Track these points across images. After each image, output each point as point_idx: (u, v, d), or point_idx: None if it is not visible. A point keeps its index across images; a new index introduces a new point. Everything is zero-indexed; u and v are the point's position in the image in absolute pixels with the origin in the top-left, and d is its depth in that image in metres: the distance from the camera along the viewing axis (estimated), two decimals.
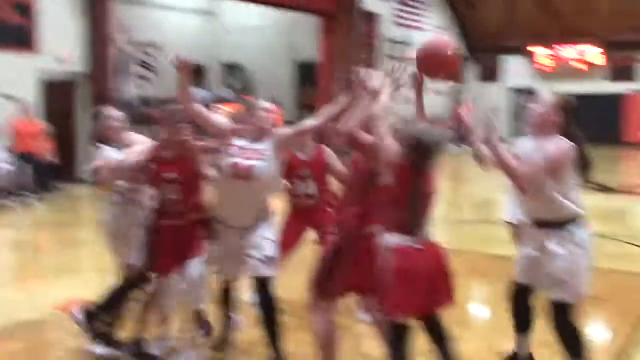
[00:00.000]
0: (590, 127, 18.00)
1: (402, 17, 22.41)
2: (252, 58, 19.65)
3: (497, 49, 25.91)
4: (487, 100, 25.96)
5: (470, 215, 9.69)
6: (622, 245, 6.83)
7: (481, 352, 3.64)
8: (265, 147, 3.71)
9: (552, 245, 3.29)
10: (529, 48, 25.05)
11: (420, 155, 3.22)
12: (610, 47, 23.37)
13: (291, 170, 4.54)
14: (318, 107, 15.58)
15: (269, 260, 3.69)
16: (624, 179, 14.66)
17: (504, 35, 25.56)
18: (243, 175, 3.62)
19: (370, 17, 20.85)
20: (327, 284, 3.43)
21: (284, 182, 4.58)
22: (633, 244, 7.00)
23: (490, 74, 26.59)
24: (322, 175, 4.71)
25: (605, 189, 11.78)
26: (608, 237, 7.13)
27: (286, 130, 3.87)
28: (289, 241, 4.56)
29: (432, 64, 3.79)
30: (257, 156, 3.66)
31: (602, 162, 18.15)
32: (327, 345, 3.51)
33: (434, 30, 24.24)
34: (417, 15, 23.42)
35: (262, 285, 3.67)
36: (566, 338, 3.29)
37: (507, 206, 5.11)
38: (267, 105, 3.83)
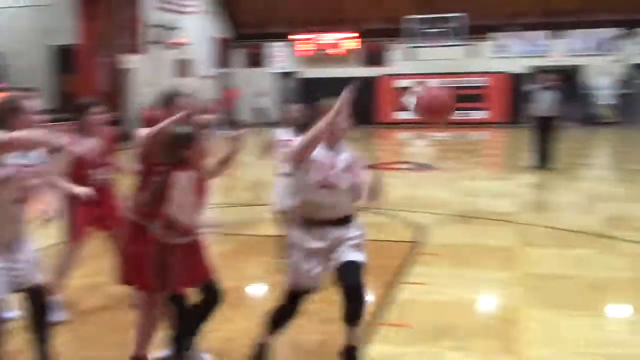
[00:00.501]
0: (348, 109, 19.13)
1: (165, 1, 22.00)
2: (4, 42, 18.03)
3: (261, 35, 26.66)
4: (253, 84, 26.66)
5: (244, 198, 9.95)
6: (376, 216, 7.51)
7: (251, 331, 3.83)
8: None
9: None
10: (291, 35, 26.17)
11: (176, 147, 3.38)
12: (364, 34, 25.33)
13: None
14: (79, 94, 14.82)
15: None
16: (379, 156, 15.99)
17: (267, 22, 26.39)
18: None
19: (132, 1, 20.19)
20: (164, 278, 3.45)
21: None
22: (388, 213, 7.77)
23: (255, 59, 27.27)
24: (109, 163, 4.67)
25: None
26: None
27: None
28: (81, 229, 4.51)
29: (433, 114, 4.05)
30: None
31: (359, 141, 19.50)
32: (147, 334, 3.59)
33: (199, 14, 24.20)
34: None
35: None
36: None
37: (277, 195, 5.46)
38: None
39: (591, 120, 23.09)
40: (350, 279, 3.40)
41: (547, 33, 24.02)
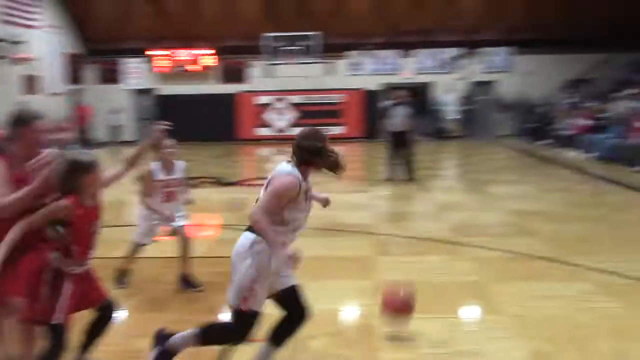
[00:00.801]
0: (208, 126, 19.24)
1: (10, 14, 20.73)
2: None
3: (115, 51, 25.81)
4: (108, 101, 25.72)
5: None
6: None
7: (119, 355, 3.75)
8: None
9: None
10: (148, 51, 25.58)
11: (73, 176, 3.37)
12: (221, 51, 25.30)
13: None
14: None
15: None
16: (241, 173, 16.00)
17: (122, 38, 25.61)
18: None
19: None
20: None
21: None
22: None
23: (110, 76, 26.34)
24: None
25: (224, 182, 12.82)
26: (231, 225, 7.88)
27: None
28: None
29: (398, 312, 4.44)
30: None
31: (220, 158, 19.45)
32: None
33: (46, 28, 23.04)
34: (28, 12, 21.93)
35: None
36: None
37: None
38: None
39: (440, 134, 24.55)
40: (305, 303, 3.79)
41: (398, 52, 25.31)
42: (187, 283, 5.68)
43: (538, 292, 5.47)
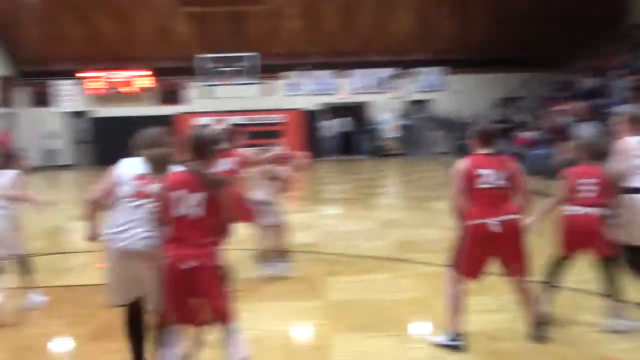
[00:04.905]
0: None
1: None
2: None
3: (47, 73, 25.19)
4: (41, 125, 25.03)
5: (42, 245, 9.27)
6: None
7: None
8: None
9: None
10: (80, 73, 25.04)
11: None
12: (157, 72, 25.04)
13: None
14: None
15: None
16: None
17: (53, 59, 25.01)
18: None
19: None
20: None
21: None
22: None
23: (41, 98, 25.64)
24: None
25: None
26: None
27: None
28: None
29: None
30: None
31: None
32: None
33: None
34: None
35: None
36: None
37: None
38: None
39: (378, 152, 24.92)
40: None
41: (334, 72, 25.63)
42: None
43: (482, 306, 5.60)
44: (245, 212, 6.50)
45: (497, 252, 4.44)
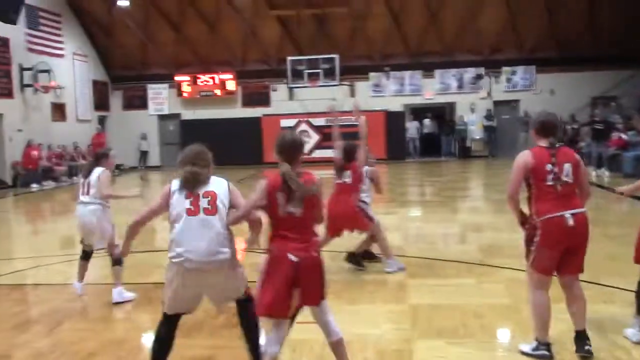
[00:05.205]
0: (234, 150, 19.36)
1: (35, 43, 21.20)
2: None
3: (141, 77, 26.25)
4: (134, 127, 26.07)
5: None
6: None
7: None
8: None
9: None
10: (170, 77, 25.93)
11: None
12: (243, 75, 25.56)
13: None
14: None
15: None
16: None
17: (145, 64, 26.07)
18: None
19: (3, 42, 19.37)
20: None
21: None
22: None
23: (136, 102, 26.74)
24: None
25: None
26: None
27: None
28: None
29: None
30: None
31: (245, 181, 19.34)
32: None
33: (72, 56, 23.53)
34: (54, 41, 22.43)
35: None
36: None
37: None
38: None
39: (464, 153, 24.46)
40: None
41: (419, 73, 25.32)
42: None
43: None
44: (362, 221, 6.96)
45: (569, 246, 4.30)
